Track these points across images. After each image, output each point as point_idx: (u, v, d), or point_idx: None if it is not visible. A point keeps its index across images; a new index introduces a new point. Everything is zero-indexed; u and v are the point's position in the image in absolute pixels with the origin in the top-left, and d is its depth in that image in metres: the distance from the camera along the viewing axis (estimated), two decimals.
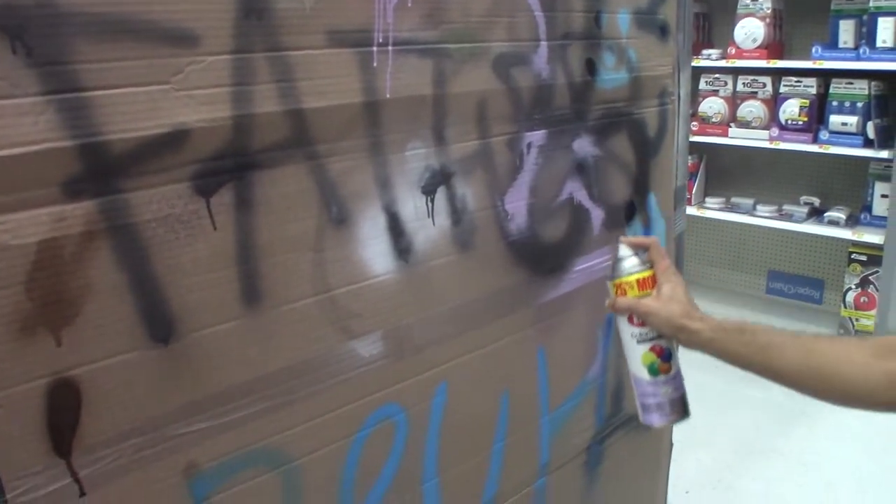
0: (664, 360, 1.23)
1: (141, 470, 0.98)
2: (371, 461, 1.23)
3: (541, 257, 1.47)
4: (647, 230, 1.77)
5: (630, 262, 1.24)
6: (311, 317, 1.11)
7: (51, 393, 0.90)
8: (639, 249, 1.26)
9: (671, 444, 2.08)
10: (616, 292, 1.24)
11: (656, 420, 1.25)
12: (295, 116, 1.06)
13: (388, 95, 1.16)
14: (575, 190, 1.54)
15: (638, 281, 1.22)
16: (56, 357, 0.90)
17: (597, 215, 1.60)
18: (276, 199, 1.05)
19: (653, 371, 1.23)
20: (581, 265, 1.57)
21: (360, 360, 1.18)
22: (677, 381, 1.25)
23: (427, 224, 1.25)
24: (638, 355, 1.24)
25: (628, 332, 1.24)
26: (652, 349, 1.22)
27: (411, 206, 1.22)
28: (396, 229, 1.20)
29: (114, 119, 0.90)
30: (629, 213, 1.71)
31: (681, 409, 1.25)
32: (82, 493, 0.94)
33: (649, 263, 1.24)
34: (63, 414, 0.91)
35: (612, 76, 1.60)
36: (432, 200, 1.25)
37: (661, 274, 1.22)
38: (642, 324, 1.22)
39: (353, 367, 1.17)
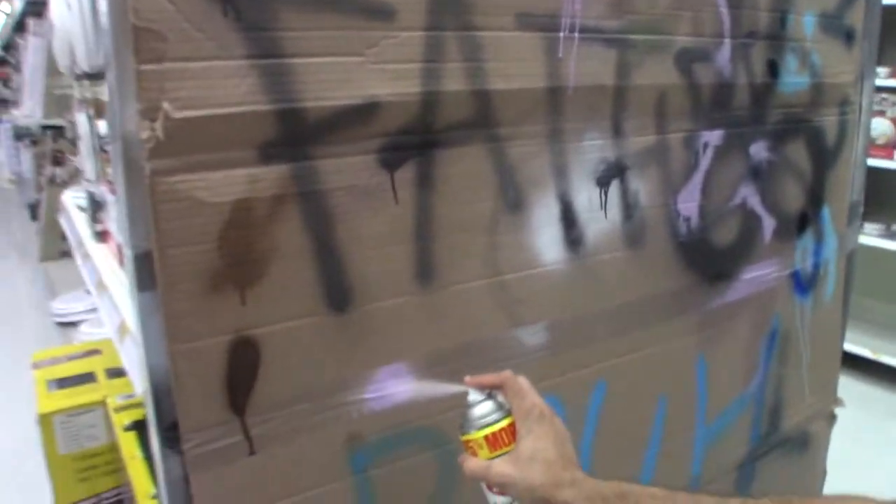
0: None
1: (308, 435, 1.00)
2: None
3: (709, 262, 1.42)
4: (820, 244, 1.67)
5: (480, 410, 0.92)
6: (481, 299, 1.10)
7: (232, 350, 0.92)
8: (494, 391, 0.95)
9: (825, 472, 1.96)
10: (467, 451, 0.94)
11: None
12: (480, 97, 1.05)
13: (571, 83, 1.14)
14: (748, 195, 1.48)
15: (487, 438, 0.91)
16: (240, 315, 0.92)
17: (768, 224, 1.53)
18: (455, 179, 1.05)
19: None
20: (749, 274, 1.50)
21: (524, 348, 1.16)
22: None
23: (599, 217, 1.22)
24: None
25: (490, 499, 0.94)
26: None
27: (585, 197, 1.19)
28: (569, 219, 1.18)
29: (311, 87, 0.92)
30: (802, 224, 1.63)
31: None
32: (252, 452, 0.96)
33: (507, 409, 0.93)
34: (241, 372, 0.94)
35: (793, 80, 1.53)
36: (606, 193, 1.22)
37: (521, 420, 0.91)
38: (503, 491, 0.92)
39: (516, 354, 1.16)
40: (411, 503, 1.12)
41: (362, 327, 1.01)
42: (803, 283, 1.66)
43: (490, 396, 0.94)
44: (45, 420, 1.87)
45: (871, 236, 4.17)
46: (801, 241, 1.62)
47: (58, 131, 6.83)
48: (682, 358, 1.42)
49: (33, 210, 7.77)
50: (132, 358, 1.15)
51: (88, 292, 4.91)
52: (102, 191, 1.76)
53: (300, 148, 0.93)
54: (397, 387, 1.05)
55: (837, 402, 1.90)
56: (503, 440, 0.91)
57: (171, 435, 0.93)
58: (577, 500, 0.87)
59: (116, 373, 2.03)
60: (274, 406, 0.96)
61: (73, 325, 4.65)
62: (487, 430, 0.91)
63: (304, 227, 0.94)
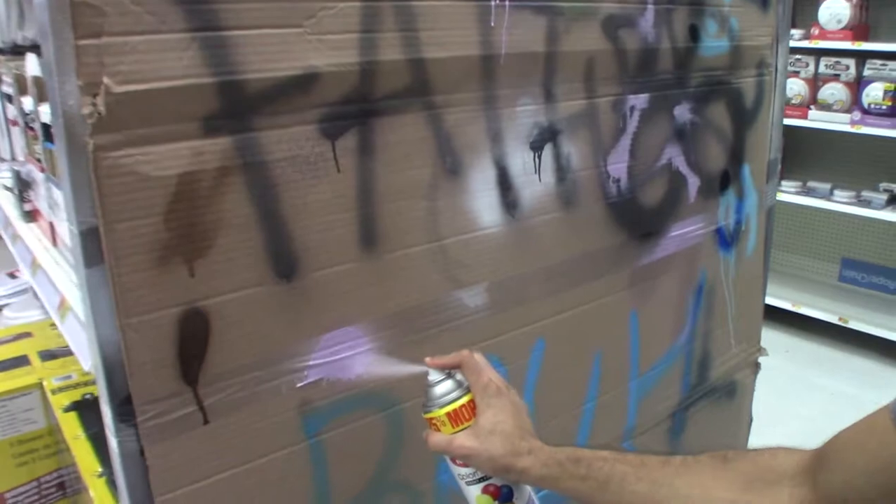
0: (503, 501, 1.00)
1: (260, 402, 1.02)
2: None
3: (638, 221, 1.47)
4: (741, 201, 1.75)
5: (441, 388, 0.99)
6: (423, 264, 1.13)
7: (182, 322, 0.93)
8: (452, 370, 1.01)
9: (751, 419, 2.07)
10: (430, 427, 1.00)
11: None
12: (416, 66, 1.07)
13: (503, 50, 1.17)
14: (674, 156, 1.53)
15: (449, 415, 0.98)
16: (188, 287, 0.93)
17: (693, 182, 1.60)
18: (395, 147, 1.07)
19: None
20: (676, 231, 1.56)
21: (465, 310, 1.20)
22: None
23: (534, 180, 1.26)
24: (471, 498, 1.01)
25: (455, 473, 1.02)
26: (485, 490, 0.99)
27: (520, 161, 1.23)
28: (505, 183, 1.21)
29: (251, 59, 0.93)
30: (724, 182, 1.70)
31: None
32: (206, 422, 0.98)
33: (466, 386, 1.00)
34: (192, 343, 0.95)
35: (713, 43, 1.59)
36: (539, 157, 1.26)
37: (479, 396, 0.98)
38: (466, 463, 0.99)
39: (458, 315, 1.19)
40: (362, 465, 1.15)
41: (309, 294, 1.03)
42: (727, 239, 1.74)
43: (449, 375, 1.00)
44: None
45: (788, 193, 4.33)
46: (723, 199, 1.69)
47: None
48: (615, 314, 1.48)
49: None
50: (77, 335, 1.14)
51: (11, 276, 4.78)
52: (30, 169, 1.73)
53: (242, 119, 0.94)
54: (346, 352, 1.08)
55: (761, 351, 2.00)
56: (464, 416, 0.98)
57: (125, 409, 0.94)
58: (534, 467, 0.95)
59: (50, 355, 2.00)
60: (226, 375, 0.98)
61: None
62: (449, 408, 0.98)
63: (248, 198, 0.95)
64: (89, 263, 0.89)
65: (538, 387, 1.35)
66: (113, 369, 0.93)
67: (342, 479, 1.13)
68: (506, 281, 1.25)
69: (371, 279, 1.08)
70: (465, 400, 0.98)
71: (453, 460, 1.01)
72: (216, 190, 0.93)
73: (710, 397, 1.82)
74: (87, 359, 1.10)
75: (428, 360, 1.02)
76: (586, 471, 0.93)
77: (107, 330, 0.91)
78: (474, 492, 1.00)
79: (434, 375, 1.01)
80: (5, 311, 4.34)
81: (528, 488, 1.02)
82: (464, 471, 1.00)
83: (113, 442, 0.96)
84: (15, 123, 2.52)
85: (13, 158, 2.71)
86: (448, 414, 0.98)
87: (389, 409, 1.15)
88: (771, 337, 4.13)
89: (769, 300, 4.27)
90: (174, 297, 0.92)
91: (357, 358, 1.09)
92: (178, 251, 0.91)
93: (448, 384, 1.00)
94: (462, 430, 0.98)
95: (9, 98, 2.64)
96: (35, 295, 4.13)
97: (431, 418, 0.99)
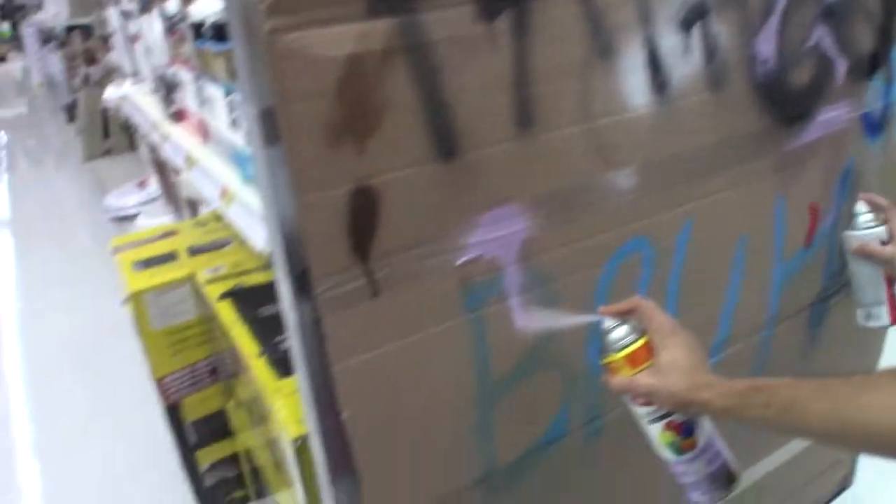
0: (685, 436, 1.05)
1: (424, 278, 1.06)
2: (619, 292, 1.27)
3: (786, 104, 1.43)
4: (890, 86, 1.68)
5: (617, 333, 1.06)
6: (576, 144, 1.14)
7: (354, 198, 0.98)
8: (626, 317, 1.08)
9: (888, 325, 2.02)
10: (610, 372, 1.07)
11: (698, 498, 1.09)
12: None
13: None
14: (822, 37, 1.47)
15: (628, 357, 1.04)
16: (359, 165, 0.97)
17: (841, 65, 1.53)
18: (550, 27, 1.07)
19: (676, 451, 1.06)
20: (823, 115, 1.51)
21: (616, 191, 1.21)
22: (710, 453, 1.06)
23: (683, 61, 1.23)
24: (654, 436, 1.07)
25: (637, 413, 1.08)
26: (668, 427, 1.05)
27: (669, 41, 1.21)
28: (655, 64, 1.20)
29: None
30: (872, 66, 1.62)
31: (723, 482, 1.07)
32: (375, 294, 1.03)
33: (641, 330, 1.06)
34: (363, 219, 0.99)
35: None
36: (689, 37, 1.23)
37: (655, 337, 1.04)
38: (648, 402, 1.05)
39: (609, 196, 1.20)
40: (519, 340, 1.20)
41: (469, 173, 1.05)
42: (874, 125, 1.67)
43: (623, 321, 1.07)
44: (135, 298, 1.97)
45: None
46: (872, 83, 1.62)
47: (85, 30, 6.80)
48: (761, 198, 1.46)
49: (69, 112, 7.82)
50: (245, 219, 1.21)
51: (141, 185, 5.01)
52: (175, 71, 1.80)
53: (405, 1, 0.95)
54: (503, 230, 1.11)
55: None
56: (641, 357, 1.04)
57: (303, 282, 1.00)
58: (715, 399, 0.99)
59: (198, 250, 2.11)
60: (394, 250, 1.02)
61: (128, 218, 4.77)
62: (626, 351, 1.05)
63: (412, 79, 0.98)
64: (268, 143, 0.94)
65: (684, 270, 1.36)
66: (291, 244, 0.98)
67: (500, 353, 1.18)
68: (655, 162, 1.24)
69: (527, 159, 1.10)
70: (641, 342, 1.04)
71: (634, 400, 1.07)
72: (382, 71, 0.95)
73: (848, 289, 1.79)
74: (259, 239, 1.17)
75: (601, 308, 1.09)
76: (767, 398, 0.95)
77: (285, 207, 0.96)
78: (657, 429, 1.06)
79: (609, 322, 1.07)
80: (138, 220, 4.58)
81: (709, 423, 1.07)
82: (645, 410, 1.06)
83: (291, 314, 1.03)
84: (135, 40, 2.61)
85: (135, 74, 2.81)
86: (626, 357, 1.04)
87: (545, 287, 1.18)
88: None
89: None
90: (346, 174, 0.96)
91: (514, 236, 1.12)
92: (348, 130, 0.95)
93: (623, 329, 1.06)
94: (641, 370, 1.04)
95: (125, 15, 2.73)
96: (165, 201, 4.33)
97: (610, 362, 1.06)
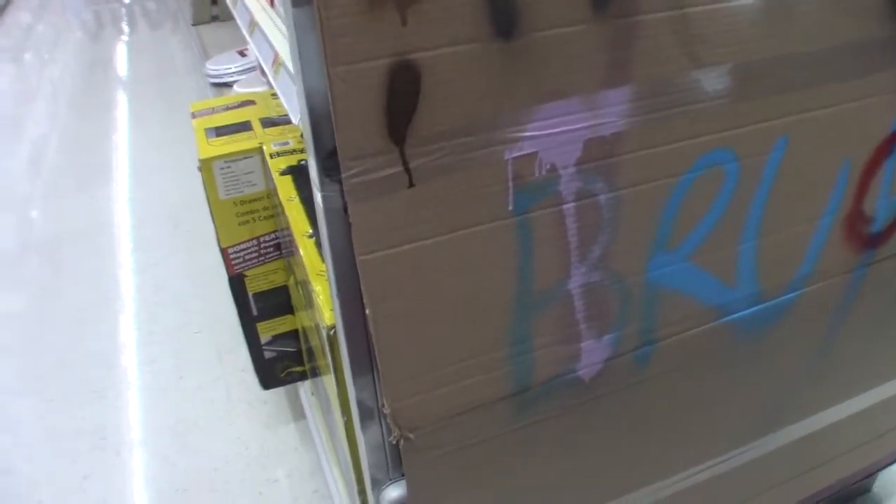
0: None
1: (467, 170, 0.95)
2: (692, 208, 1.14)
3: None
4: None
5: None
6: (660, 34, 0.98)
7: (392, 74, 0.87)
8: None
9: None
10: None
11: None
12: None
13: None
14: None
15: None
16: (400, 37, 0.85)
17: None
18: None
19: None
20: None
21: (702, 94, 1.05)
22: None
23: None
24: None
25: None
26: None
27: None
28: None
29: None
30: None
31: None
32: (411, 184, 0.93)
33: None
34: (401, 98, 0.88)
35: None
36: None
37: None
38: None
39: (694, 99, 1.05)
40: (569, 249, 1.08)
41: (530, 56, 0.92)
42: None
43: None
44: (206, 165, 1.93)
45: None
46: None
47: None
48: (875, 118, 1.27)
49: None
50: (288, 89, 1.12)
51: (241, 54, 5.01)
52: None
53: None
54: (565, 125, 0.98)
55: None
56: None
57: (330, 163, 0.91)
58: None
59: (271, 122, 2.05)
60: (435, 137, 0.91)
61: (226, 85, 4.78)
62: None
63: None
64: (297, 2, 0.83)
65: (773, 191, 1.20)
66: (319, 120, 0.89)
67: (546, 262, 1.07)
68: (752, 64, 1.08)
69: (600, 46, 0.95)
70: None
71: None
72: None
73: None
74: (296, 112, 1.08)
75: None
76: None
77: (314, 78, 0.86)
78: None
79: None
80: (235, 87, 4.57)
81: None
82: None
83: (317, 196, 0.94)
84: None
85: None
86: None
87: (608, 195, 1.05)
88: None
89: None
90: (385, 46, 0.85)
91: (576, 134, 0.99)
92: None
93: None
94: None
95: None
96: (262, 71, 4.31)
97: None
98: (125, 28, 7.96)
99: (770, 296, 1.33)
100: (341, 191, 0.91)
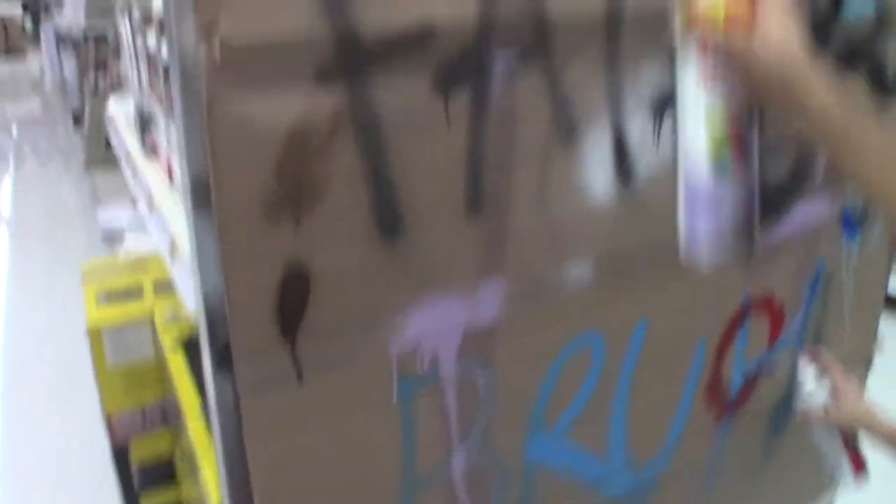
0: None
1: (355, 363, 1.01)
2: (565, 387, 1.22)
3: (760, 199, 1.39)
4: None
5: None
6: (530, 234, 1.09)
7: (285, 276, 0.93)
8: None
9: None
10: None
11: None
12: (537, 20, 1.02)
13: (629, 4, 1.09)
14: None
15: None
16: (294, 242, 0.92)
17: (821, 158, 1.49)
18: (509, 108, 1.03)
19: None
20: (798, 211, 1.47)
21: (569, 284, 1.16)
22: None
23: (651, 149, 1.19)
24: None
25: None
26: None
27: (638, 127, 1.17)
28: (621, 151, 1.16)
29: (368, 9, 0.89)
30: None
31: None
32: (300, 378, 0.98)
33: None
34: (293, 299, 0.94)
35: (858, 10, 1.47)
36: (660, 123, 1.19)
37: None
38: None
39: (561, 289, 1.16)
40: (451, 433, 1.14)
41: (412, 256, 1.01)
42: (852, 222, 1.63)
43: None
44: (93, 334, 1.92)
45: None
46: None
47: (100, 38, 6.81)
48: (726, 296, 1.41)
49: (77, 117, 7.81)
50: (184, 277, 1.17)
51: (134, 202, 4.95)
52: (152, 103, 1.76)
53: (356, 74, 0.91)
54: (445, 321, 1.06)
55: (877, 345, 1.89)
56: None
57: (223, 358, 0.95)
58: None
59: (164, 287, 2.06)
60: (323, 333, 0.97)
61: (118, 238, 4.71)
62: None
63: (358, 155, 0.93)
64: (198, 208, 0.89)
65: (637, 367, 1.31)
66: (214, 317, 0.94)
67: (430, 444, 1.12)
68: (614, 254, 1.20)
69: (475, 245, 1.05)
70: None
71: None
72: (326, 145, 0.91)
73: None
74: (191, 302, 1.12)
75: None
76: None
77: (211, 278, 0.92)
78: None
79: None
80: (128, 240, 4.51)
81: None
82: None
83: (210, 389, 0.98)
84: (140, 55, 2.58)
85: (140, 90, 2.78)
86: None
87: (485, 381, 1.13)
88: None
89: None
90: (278, 251, 0.92)
91: (455, 328, 1.07)
92: (285, 204, 0.90)
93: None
94: None
95: (135, 28, 2.71)
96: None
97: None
98: (11, 163, 7.78)
99: (644, 464, 1.42)
100: (234, 384, 0.95)
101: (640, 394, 1.33)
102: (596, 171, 1.14)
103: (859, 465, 1.27)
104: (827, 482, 1.93)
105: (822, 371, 1.34)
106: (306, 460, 1.02)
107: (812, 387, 1.31)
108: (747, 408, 1.58)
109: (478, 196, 1.04)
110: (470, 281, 1.07)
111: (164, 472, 2.11)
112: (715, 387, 1.47)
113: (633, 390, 1.32)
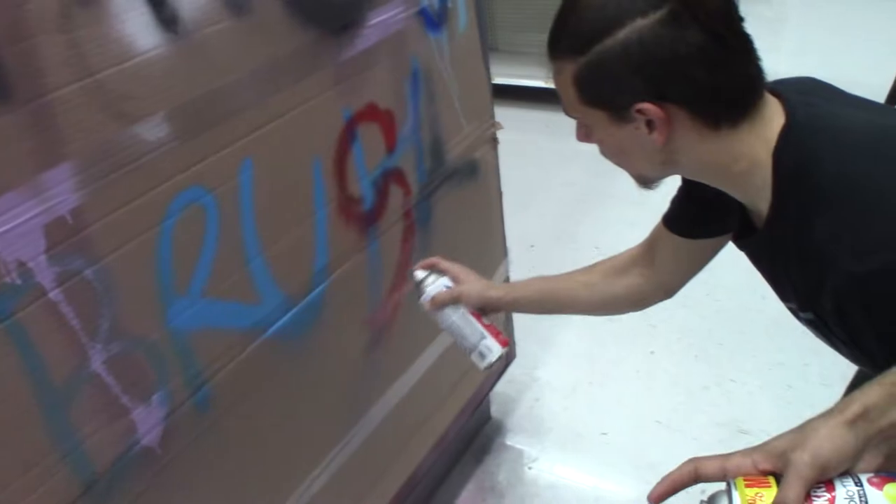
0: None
1: None
2: (185, 249, 1.19)
3: (329, 14, 1.40)
4: None
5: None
6: (79, 104, 1.01)
7: None
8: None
9: (500, 192, 2.13)
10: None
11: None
12: None
13: None
14: None
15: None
16: None
17: None
18: None
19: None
20: (375, 19, 1.50)
21: (147, 146, 1.10)
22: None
23: None
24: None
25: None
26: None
27: None
28: None
29: None
30: None
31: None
32: None
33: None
34: None
35: None
36: None
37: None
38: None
39: (140, 153, 1.10)
40: (77, 334, 1.07)
41: None
42: (434, 20, 1.69)
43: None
44: None
45: None
46: None
47: None
48: (327, 115, 1.43)
49: None
50: None
51: None
52: None
53: None
54: (16, 217, 0.96)
55: (496, 125, 2.03)
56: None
57: None
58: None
59: None
60: None
61: None
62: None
63: None
64: None
65: (257, 208, 1.30)
66: None
67: (58, 354, 1.05)
68: (188, 104, 1.15)
69: (19, 134, 0.95)
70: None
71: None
72: None
73: (451, 180, 1.84)
74: None
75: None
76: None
77: None
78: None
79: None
80: None
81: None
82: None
83: None
84: None
85: None
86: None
87: (92, 267, 1.06)
88: (532, 115, 4.25)
89: (519, 81, 4.34)
90: None
91: (32, 223, 0.98)
92: None
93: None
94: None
95: None
96: None
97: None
98: None
99: (300, 297, 1.44)
100: None
101: (270, 233, 1.33)
102: (133, 24, 1.07)
103: (499, 335, 1.36)
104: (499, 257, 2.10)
105: (438, 272, 1.40)
106: None
107: (432, 287, 1.37)
108: (388, 216, 1.64)
109: (3, 77, 0.93)
110: (29, 173, 0.97)
111: None
112: (347, 204, 1.51)
113: (262, 231, 1.32)
